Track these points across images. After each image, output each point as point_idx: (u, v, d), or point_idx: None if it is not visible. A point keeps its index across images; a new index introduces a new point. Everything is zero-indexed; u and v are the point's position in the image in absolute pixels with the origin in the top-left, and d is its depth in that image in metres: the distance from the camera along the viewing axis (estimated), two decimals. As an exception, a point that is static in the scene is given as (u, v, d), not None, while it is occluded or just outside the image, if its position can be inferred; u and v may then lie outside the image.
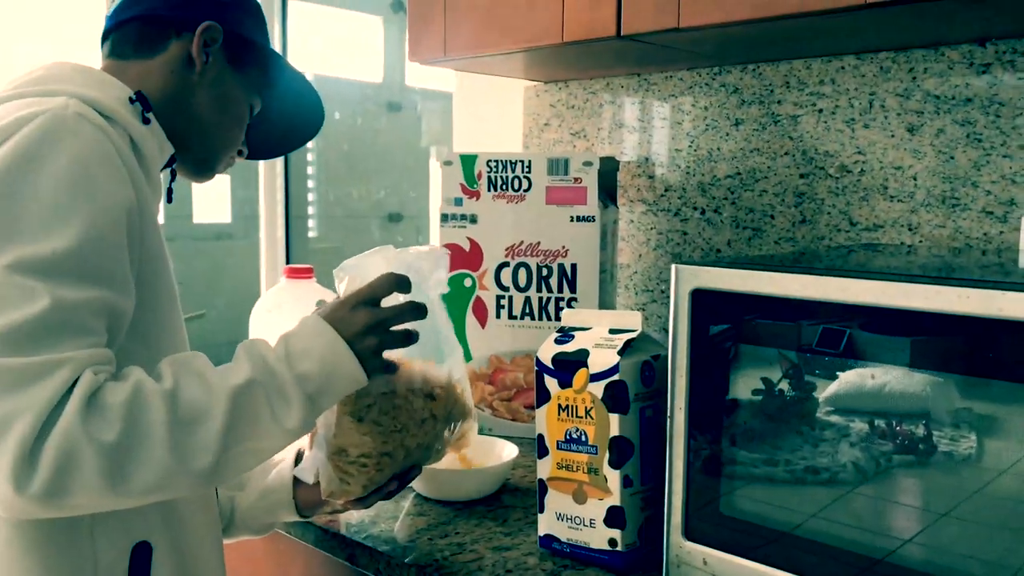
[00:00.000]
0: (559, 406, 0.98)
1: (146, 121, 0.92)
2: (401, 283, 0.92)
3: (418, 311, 0.92)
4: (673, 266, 0.87)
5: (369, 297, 0.90)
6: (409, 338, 0.92)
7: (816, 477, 0.80)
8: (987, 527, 0.71)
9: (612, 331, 1.00)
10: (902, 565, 0.75)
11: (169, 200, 1.03)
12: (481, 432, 1.42)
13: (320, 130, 1.15)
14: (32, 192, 0.76)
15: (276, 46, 2.83)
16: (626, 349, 0.95)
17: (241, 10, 1.03)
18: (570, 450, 0.98)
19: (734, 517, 0.85)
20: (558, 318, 1.41)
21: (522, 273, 1.42)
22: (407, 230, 3.81)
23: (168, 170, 1.03)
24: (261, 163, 2.88)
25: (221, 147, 1.04)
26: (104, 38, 1.00)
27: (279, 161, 2.81)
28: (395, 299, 0.92)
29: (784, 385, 0.82)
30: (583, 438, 0.97)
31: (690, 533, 0.87)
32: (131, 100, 0.91)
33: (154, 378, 0.79)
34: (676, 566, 0.89)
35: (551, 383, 0.99)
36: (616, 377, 0.94)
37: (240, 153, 1.09)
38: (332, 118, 3.56)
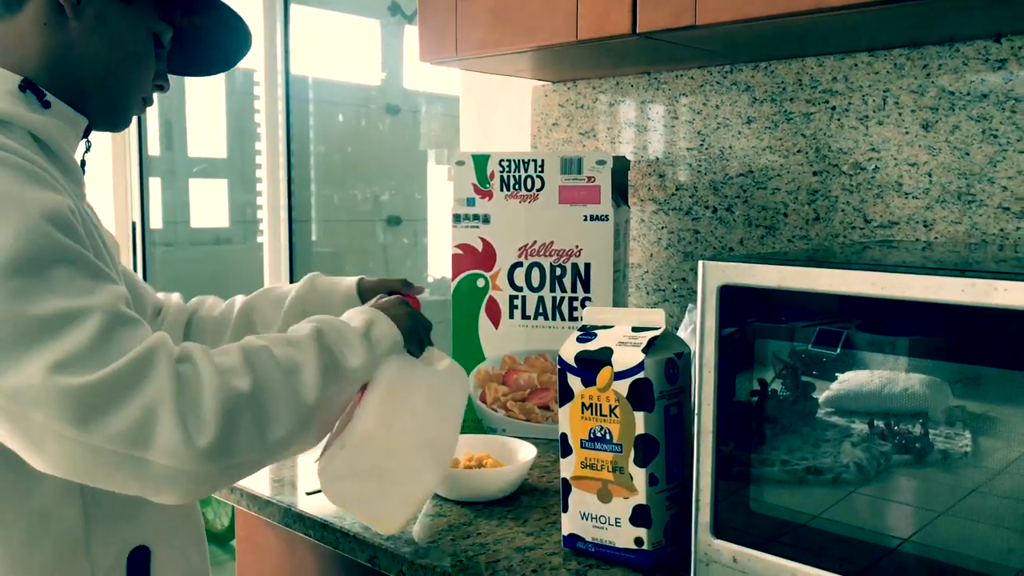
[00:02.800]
0: (583, 404, 0.98)
1: (45, 105, 0.86)
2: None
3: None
4: (700, 262, 0.87)
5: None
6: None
7: (847, 473, 0.80)
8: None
9: (635, 329, 0.99)
10: (929, 557, 0.74)
11: (82, 172, 0.95)
12: (495, 433, 1.42)
13: (250, 40, 1.08)
14: None
15: (278, 48, 2.83)
16: (650, 347, 0.95)
17: None
18: (594, 449, 0.97)
19: (764, 514, 0.85)
20: (572, 318, 1.40)
21: (535, 273, 1.41)
22: (406, 233, 3.80)
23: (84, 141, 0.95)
24: (264, 168, 2.87)
25: (127, 91, 0.95)
26: None
27: (282, 166, 2.81)
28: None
29: (813, 381, 0.81)
30: (607, 436, 0.96)
31: (719, 531, 0.87)
32: (21, 88, 0.85)
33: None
34: (705, 564, 0.88)
35: (574, 381, 0.98)
36: (641, 375, 0.93)
37: (160, 88, 1.00)
38: (336, 120, 3.55)
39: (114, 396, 0.70)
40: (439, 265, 3.63)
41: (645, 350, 0.94)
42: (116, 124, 0.98)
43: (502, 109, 1.83)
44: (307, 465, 1.31)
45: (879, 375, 0.78)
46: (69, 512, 0.85)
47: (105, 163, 3.21)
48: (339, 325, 0.92)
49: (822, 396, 0.82)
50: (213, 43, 1.07)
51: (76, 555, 0.85)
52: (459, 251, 1.44)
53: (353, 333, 0.91)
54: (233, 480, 0.80)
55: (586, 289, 1.39)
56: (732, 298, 0.85)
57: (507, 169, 1.41)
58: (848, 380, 0.80)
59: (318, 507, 1.13)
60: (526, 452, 1.22)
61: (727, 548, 0.86)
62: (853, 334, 0.78)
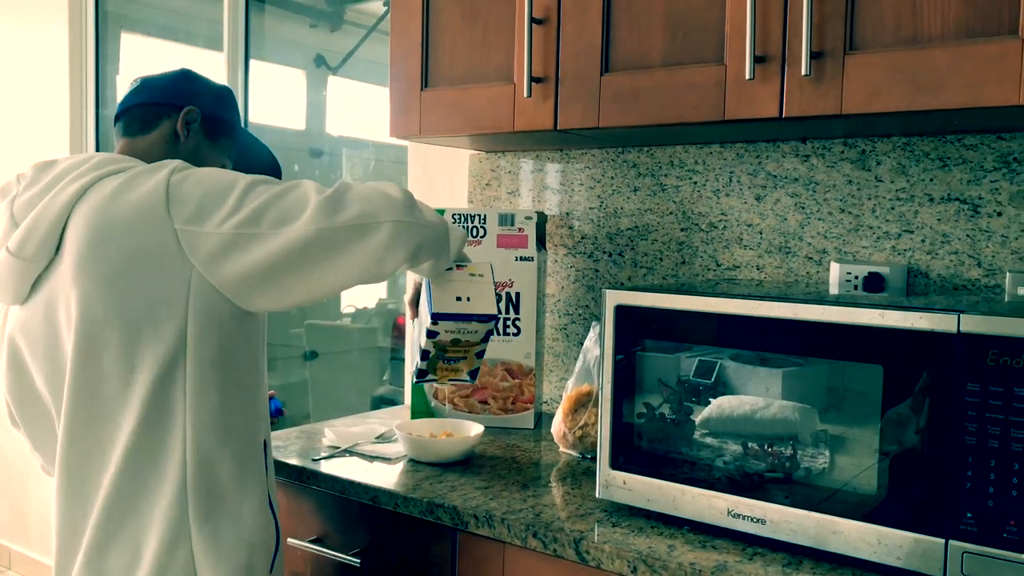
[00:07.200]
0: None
1: None
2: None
3: None
4: (604, 290, 1.35)
5: None
6: None
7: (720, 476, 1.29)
8: (792, 444, 1.21)
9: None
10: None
11: None
12: (446, 421, 1.86)
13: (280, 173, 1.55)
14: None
15: (239, 97, 3.21)
16: None
17: (214, 97, 1.42)
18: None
19: (649, 451, 1.33)
20: (506, 333, 1.87)
21: (478, 299, 1.87)
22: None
23: None
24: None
25: None
26: (116, 119, 1.39)
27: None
28: None
29: (691, 406, 1.30)
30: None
31: (615, 464, 1.34)
32: None
33: None
34: (605, 487, 1.35)
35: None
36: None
37: None
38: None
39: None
40: (357, 297, 4.03)
41: None
42: None
43: (444, 171, 2.30)
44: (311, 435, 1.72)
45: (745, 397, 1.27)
46: (259, 404, 1.30)
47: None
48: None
49: (699, 417, 1.30)
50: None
51: (257, 433, 1.28)
52: (419, 282, 1.89)
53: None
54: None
55: (516, 312, 1.86)
56: (624, 315, 1.33)
57: (459, 221, 1.87)
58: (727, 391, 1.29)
59: (329, 467, 1.55)
60: (476, 429, 1.67)
61: (620, 475, 1.34)
62: (726, 363, 1.27)
